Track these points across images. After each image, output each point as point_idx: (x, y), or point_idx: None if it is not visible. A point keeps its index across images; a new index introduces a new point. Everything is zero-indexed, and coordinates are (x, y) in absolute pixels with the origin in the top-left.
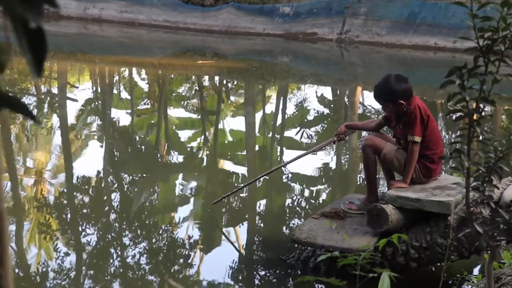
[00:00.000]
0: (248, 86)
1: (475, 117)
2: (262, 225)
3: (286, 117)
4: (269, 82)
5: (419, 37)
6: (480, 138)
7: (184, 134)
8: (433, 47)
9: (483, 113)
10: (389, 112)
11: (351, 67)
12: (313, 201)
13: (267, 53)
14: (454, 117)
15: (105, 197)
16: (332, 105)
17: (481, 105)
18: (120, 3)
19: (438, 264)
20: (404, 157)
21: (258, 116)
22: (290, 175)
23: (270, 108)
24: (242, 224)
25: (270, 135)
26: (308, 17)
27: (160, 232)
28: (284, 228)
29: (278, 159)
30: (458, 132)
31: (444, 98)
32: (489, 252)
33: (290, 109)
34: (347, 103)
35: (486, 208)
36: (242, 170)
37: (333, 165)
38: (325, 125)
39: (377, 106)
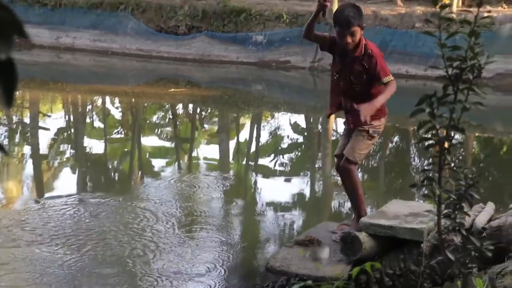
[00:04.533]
0: (222, 114)
1: (445, 145)
2: (236, 253)
3: (260, 144)
4: (243, 110)
5: (391, 65)
6: (451, 165)
7: (157, 163)
8: (404, 75)
9: (453, 141)
10: (351, 41)
11: (324, 95)
12: (287, 229)
13: (241, 81)
14: (425, 145)
15: (74, 225)
16: (305, 133)
17: (451, 133)
18: (93, 32)
19: None
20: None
21: (232, 144)
22: (264, 203)
23: (244, 135)
24: (217, 252)
25: (244, 162)
26: (281, 45)
27: (133, 261)
28: (258, 256)
29: (253, 187)
30: (429, 159)
31: (416, 125)
32: (461, 279)
33: (264, 137)
34: (320, 131)
35: (458, 235)
36: (215, 197)
37: (307, 192)
38: (299, 153)
39: None
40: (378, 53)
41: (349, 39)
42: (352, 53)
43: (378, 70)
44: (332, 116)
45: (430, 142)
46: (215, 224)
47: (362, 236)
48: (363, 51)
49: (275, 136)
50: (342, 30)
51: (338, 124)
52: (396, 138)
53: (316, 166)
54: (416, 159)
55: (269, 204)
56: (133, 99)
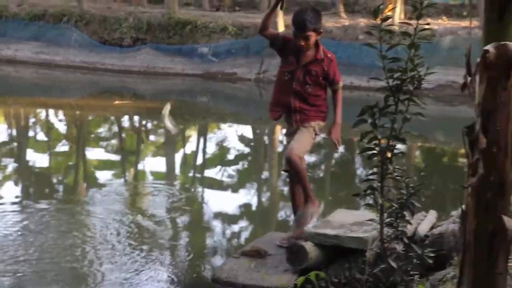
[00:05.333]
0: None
1: (387, 154)
2: (183, 265)
3: (206, 156)
4: (189, 121)
5: None
6: (393, 175)
7: (103, 175)
8: (349, 86)
9: (395, 151)
10: (305, 44)
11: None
12: (234, 240)
13: (187, 93)
14: (367, 155)
15: (14, 239)
16: (252, 144)
17: (393, 143)
18: (36, 44)
19: None
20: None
21: (179, 156)
22: (211, 214)
23: (190, 147)
24: (163, 264)
25: (191, 174)
26: (227, 57)
27: (75, 276)
28: (205, 268)
29: (199, 198)
30: (372, 169)
31: (359, 135)
32: (403, 286)
33: (211, 149)
34: (266, 142)
35: (400, 244)
36: (162, 209)
37: (254, 203)
38: (246, 164)
39: None
40: (334, 58)
41: (302, 42)
42: (313, 55)
43: (335, 75)
44: (279, 127)
45: (373, 152)
46: (161, 236)
47: (308, 245)
48: (322, 55)
49: (222, 148)
50: (297, 33)
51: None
52: (341, 148)
53: (263, 177)
54: (360, 168)
55: (216, 215)
56: (77, 112)
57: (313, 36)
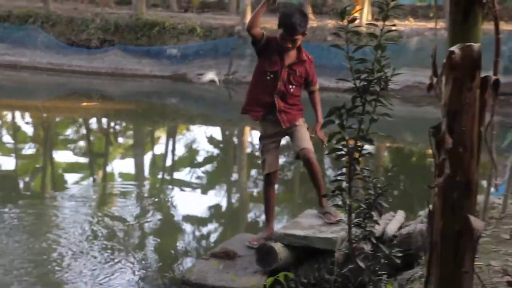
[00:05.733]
0: (137, 127)
1: (355, 155)
2: (152, 267)
3: (176, 158)
4: (158, 123)
5: None
6: (361, 175)
7: (71, 178)
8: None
9: (363, 151)
10: (291, 46)
11: (239, 108)
12: (204, 242)
13: (155, 94)
14: (335, 156)
15: None
16: (221, 145)
17: (360, 144)
18: (1, 46)
19: None
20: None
21: (148, 157)
22: (180, 216)
23: (159, 149)
24: (132, 266)
25: (160, 176)
26: (195, 58)
27: (41, 279)
28: (174, 270)
29: (169, 200)
30: (340, 170)
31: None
32: (372, 286)
33: (180, 150)
34: (236, 143)
35: (368, 244)
36: (131, 211)
37: (223, 204)
38: (215, 166)
39: None
40: (313, 60)
41: (289, 44)
42: (296, 56)
43: (314, 76)
44: (248, 128)
45: (340, 152)
46: (130, 238)
47: (278, 246)
48: (305, 56)
49: (191, 149)
50: (286, 35)
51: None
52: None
53: (232, 178)
54: (329, 169)
55: (185, 217)
56: (44, 114)
57: (300, 39)
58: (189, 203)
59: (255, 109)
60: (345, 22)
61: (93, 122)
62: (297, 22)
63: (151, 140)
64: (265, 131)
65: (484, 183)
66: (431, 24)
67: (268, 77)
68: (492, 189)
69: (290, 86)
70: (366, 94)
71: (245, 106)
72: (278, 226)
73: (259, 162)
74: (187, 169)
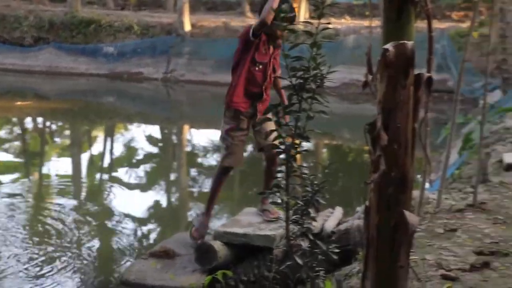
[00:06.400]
0: (73, 127)
1: (292, 152)
2: (91, 268)
3: (114, 157)
4: (95, 122)
5: None
6: (298, 173)
7: (5, 178)
8: None
9: (300, 149)
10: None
11: (178, 106)
12: (143, 241)
13: (92, 93)
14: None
15: None
16: (160, 144)
17: (297, 141)
18: None
19: None
20: None
21: (86, 157)
22: (119, 215)
23: (97, 148)
24: (70, 268)
25: (98, 176)
26: (133, 56)
27: None
28: (114, 270)
29: (107, 200)
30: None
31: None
32: (309, 282)
33: (118, 149)
34: (175, 142)
35: (306, 240)
36: (68, 212)
37: (163, 203)
38: (155, 164)
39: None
40: None
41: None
42: (280, 47)
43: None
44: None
45: (277, 150)
46: (68, 239)
47: (217, 245)
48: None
49: (130, 148)
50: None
51: (192, 134)
52: (249, 147)
53: (171, 177)
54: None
55: (124, 217)
56: None
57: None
58: (128, 202)
59: (244, 100)
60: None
61: (28, 121)
62: (294, 14)
63: (88, 139)
64: (241, 124)
65: (419, 178)
66: (367, 22)
67: (257, 68)
68: (427, 185)
69: (273, 76)
70: (302, 91)
71: (233, 99)
72: (217, 224)
73: (220, 154)
74: (126, 168)
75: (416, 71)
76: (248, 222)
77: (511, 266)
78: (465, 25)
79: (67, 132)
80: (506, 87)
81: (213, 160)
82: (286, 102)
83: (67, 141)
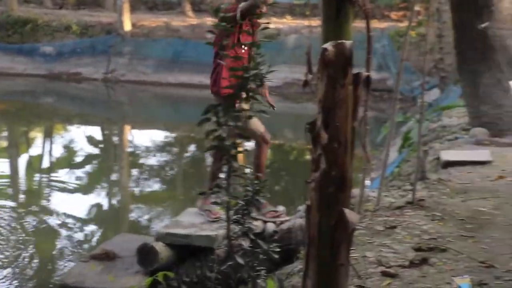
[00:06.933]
0: (11, 128)
1: (232, 152)
2: (29, 272)
3: (53, 159)
4: (33, 123)
5: (184, 75)
6: (239, 172)
7: None
8: (197, 85)
9: (241, 148)
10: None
11: (119, 106)
12: (84, 244)
13: (29, 93)
14: (212, 154)
15: None
16: (101, 145)
17: (237, 141)
18: None
19: None
20: None
21: (24, 158)
22: (60, 218)
23: (36, 150)
24: (8, 272)
25: (37, 177)
26: (72, 56)
27: None
28: (54, 273)
29: (47, 202)
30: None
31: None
32: (251, 282)
33: (58, 151)
34: (116, 142)
35: (247, 240)
36: (7, 215)
37: (104, 205)
38: (95, 166)
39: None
40: None
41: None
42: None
43: None
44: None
45: (218, 150)
46: (6, 242)
47: (159, 246)
48: None
49: (69, 150)
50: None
51: (134, 134)
52: (191, 147)
53: (112, 178)
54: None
55: (65, 218)
56: None
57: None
58: (69, 204)
59: (227, 83)
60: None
61: None
62: None
63: (26, 140)
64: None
65: (359, 177)
66: (308, 22)
67: (243, 50)
68: (367, 183)
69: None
70: (242, 91)
71: (221, 86)
72: (160, 225)
73: None
74: (66, 169)
75: (357, 70)
76: (190, 223)
77: (448, 262)
78: (404, 24)
79: (4, 134)
80: (443, 85)
81: (154, 160)
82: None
83: (4, 143)
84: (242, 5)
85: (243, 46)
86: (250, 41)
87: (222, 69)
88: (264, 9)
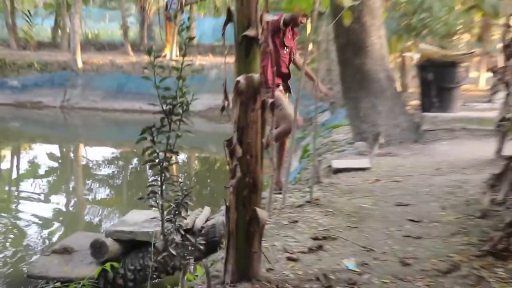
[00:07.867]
0: None
1: (164, 164)
2: (0, 264)
3: (20, 172)
4: (3, 143)
5: (128, 102)
6: (170, 180)
7: None
8: (138, 110)
9: (172, 161)
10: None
11: (74, 129)
12: (46, 241)
13: (0, 119)
14: (149, 166)
15: None
16: (60, 160)
17: (169, 155)
18: None
19: (154, 281)
20: None
21: None
22: (26, 220)
23: (4, 165)
24: None
25: (6, 187)
26: (35, 88)
27: None
28: (21, 266)
29: (14, 207)
30: (154, 176)
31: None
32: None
33: (24, 165)
34: (72, 158)
35: (178, 235)
36: None
37: (63, 209)
38: (55, 177)
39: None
40: None
41: (302, 21)
42: (298, 35)
43: None
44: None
45: (153, 163)
46: None
47: (109, 241)
48: None
49: (34, 164)
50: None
51: (87, 151)
52: (134, 161)
53: (70, 187)
54: (149, 177)
55: (29, 221)
56: None
57: None
58: (33, 209)
59: (273, 80)
60: (152, 58)
61: None
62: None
63: None
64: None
65: (269, 181)
66: (225, 59)
67: (285, 51)
68: (274, 186)
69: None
70: (171, 115)
71: (267, 81)
72: (108, 224)
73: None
74: (30, 180)
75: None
76: (134, 222)
77: (338, 247)
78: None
79: None
80: (332, 109)
81: (103, 172)
82: (315, 78)
83: None
84: (285, 15)
85: (286, 48)
86: (291, 44)
87: (269, 63)
88: (304, 20)
